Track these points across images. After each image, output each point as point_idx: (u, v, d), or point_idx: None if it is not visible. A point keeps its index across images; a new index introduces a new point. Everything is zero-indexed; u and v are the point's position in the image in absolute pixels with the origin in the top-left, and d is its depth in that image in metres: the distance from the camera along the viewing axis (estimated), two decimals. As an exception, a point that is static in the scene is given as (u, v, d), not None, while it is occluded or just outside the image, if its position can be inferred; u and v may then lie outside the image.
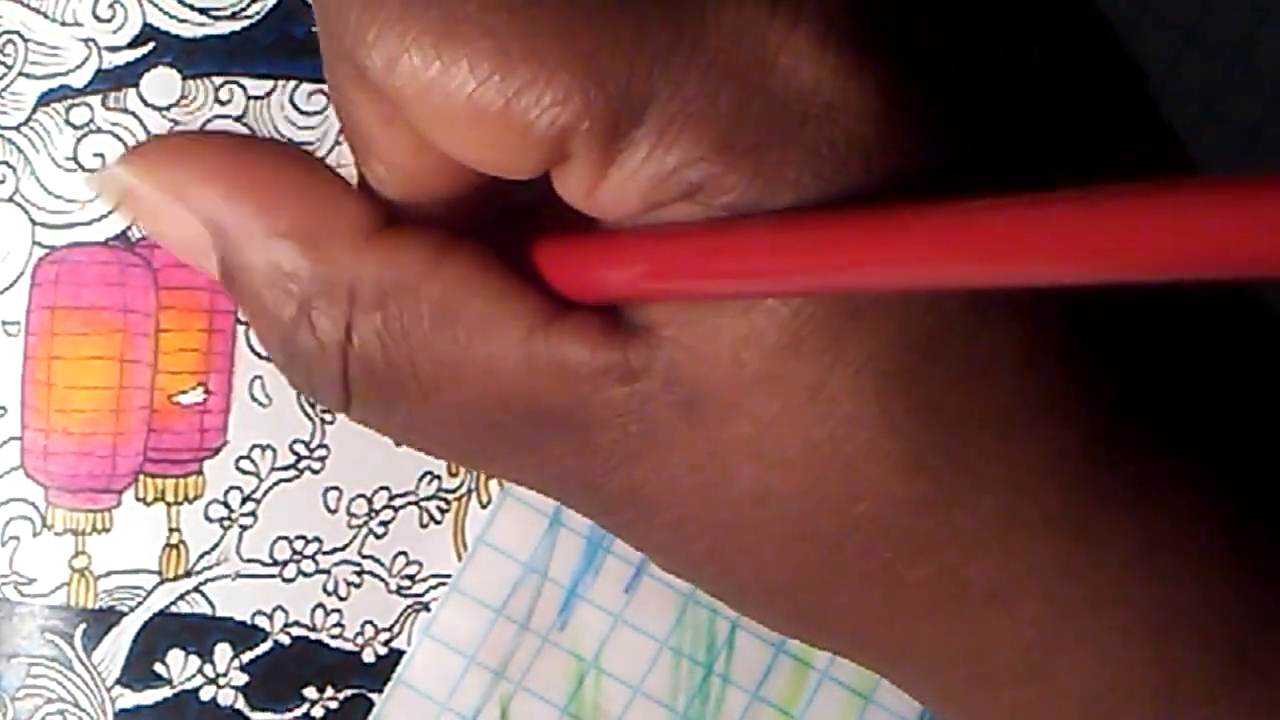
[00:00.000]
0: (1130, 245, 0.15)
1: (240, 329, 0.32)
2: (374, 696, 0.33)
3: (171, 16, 0.32)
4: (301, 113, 0.32)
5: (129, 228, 0.32)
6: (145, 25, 0.32)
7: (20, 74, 0.32)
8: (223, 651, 0.32)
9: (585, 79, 0.20)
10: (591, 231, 0.23)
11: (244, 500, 0.32)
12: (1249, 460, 0.23)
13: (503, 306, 0.22)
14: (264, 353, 0.32)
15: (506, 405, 0.23)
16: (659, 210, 0.21)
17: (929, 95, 0.21)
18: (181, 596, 0.32)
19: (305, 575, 0.33)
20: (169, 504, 0.32)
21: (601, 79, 0.20)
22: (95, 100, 0.32)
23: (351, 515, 0.33)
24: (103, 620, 0.32)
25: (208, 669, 0.32)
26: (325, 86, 0.32)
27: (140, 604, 0.32)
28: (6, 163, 0.32)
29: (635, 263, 0.21)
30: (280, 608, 0.32)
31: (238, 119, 0.32)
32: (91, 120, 0.32)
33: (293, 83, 0.32)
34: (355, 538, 0.33)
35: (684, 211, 0.21)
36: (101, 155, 0.32)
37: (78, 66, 0.32)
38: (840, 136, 0.20)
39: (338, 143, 0.32)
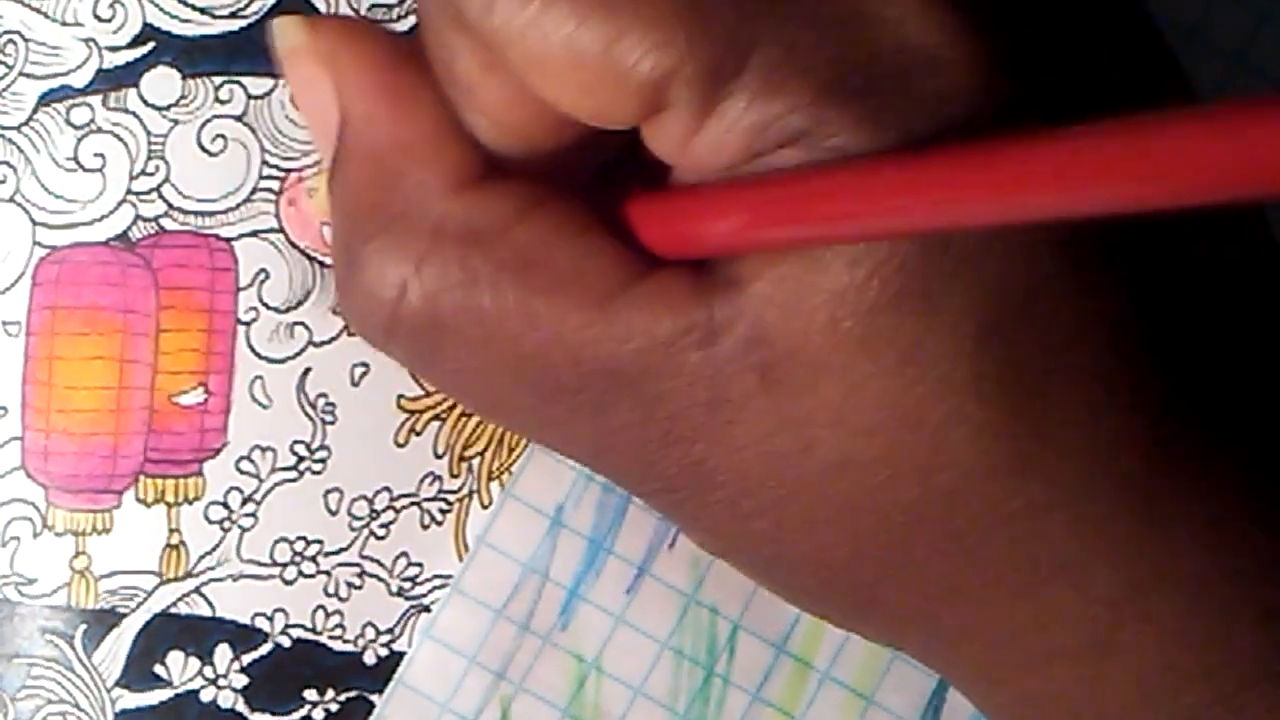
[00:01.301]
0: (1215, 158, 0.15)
1: (241, 329, 0.32)
2: (375, 698, 0.33)
3: (172, 16, 0.32)
4: (302, 112, 0.32)
5: (130, 228, 0.32)
6: (145, 25, 0.32)
7: (21, 74, 0.32)
8: (223, 653, 0.32)
9: (689, 24, 0.20)
10: (686, 185, 0.22)
11: (244, 501, 0.32)
12: None
13: (588, 261, 0.22)
14: (265, 353, 0.32)
15: (573, 364, 0.22)
16: (759, 160, 0.21)
17: (1021, 49, 0.21)
18: (182, 598, 0.32)
19: (306, 576, 0.32)
20: (169, 505, 0.32)
21: (705, 24, 0.20)
22: (96, 100, 0.32)
23: (352, 516, 0.33)
24: (103, 621, 0.32)
25: (208, 670, 0.32)
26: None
27: (140, 605, 0.32)
28: (7, 163, 0.32)
29: (735, 211, 0.21)
30: (281, 609, 0.32)
31: (238, 118, 0.32)
32: (92, 120, 0.32)
33: (293, 82, 0.32)
34: (356, 539, 0.33)
35: (787, 157, 0.20)
36: (102, 155, 0.32)
37: (78, 66, 0.32)
38: (946, 88, 0.20)
39: (338, 142, 0.32)
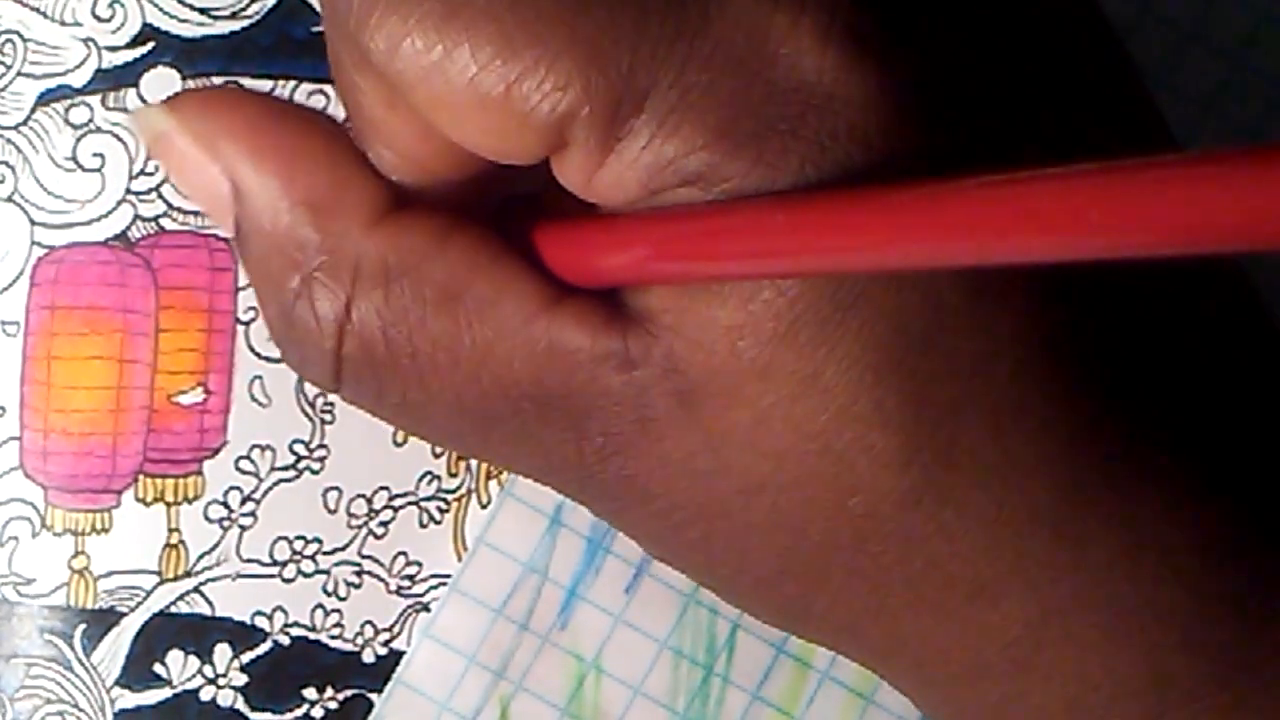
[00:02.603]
0: (1125, 217, 0.15)
1: (240, 329, 0.32)
2: (374, 697, 0.33)
3: (171, 16, 0.32)
4: (301, 112, 0.32)
5: (129, 228, 0.32)
6: (145, 25, 0.32)
7: (19, 74, 0.32)
8: (222, 652, 0.32)
9: (587, 65, 0.20)
10: (593, 216, 0.23)
11: (244, 500, 0.32)
12: (1237, 462, 0.23)
13: (505, 289, 0.22)
14: (264, 353, 0.32)
15: (503, 390, 0.23)
16: (658, 196, 0.21)
17: (929, 84, 0.21)
18: (181, 597, 0.32)
19: (305, 575, 0.32)
20: (168, 504, 0.32)
21: (603, 65, 0.20)
22: (95, 100, 0.32)
23: (351, 515, 0.33)
24: (102, 621, 0.32)
25: (207, 669, 0.32)
26: (325, 86, 0.32)
27: (140, 604, 0.32)
28: (6, 163, 0.32)
29: (636, 244, 0.21)
30: (280, 608, 0.32)
31: (237, 119, 0.32)
32: (91, 120, 0.32)
33: (292, 83, 0.32)
34: (355, 538, 0.33)
35: (684, 195, 0.21)
36: (101, 155, 0.32)
37: (77, 66, 0.32)
38: (842, 127, 0.20)
39: (338, 142, 0.32)
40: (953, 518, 0.22)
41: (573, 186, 0.22)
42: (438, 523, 0.33)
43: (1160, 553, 0.22)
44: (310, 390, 0.32)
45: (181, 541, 0.32)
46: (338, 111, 0.32)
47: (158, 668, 0.32)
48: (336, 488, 0.33)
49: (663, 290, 0.22)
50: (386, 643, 0.33)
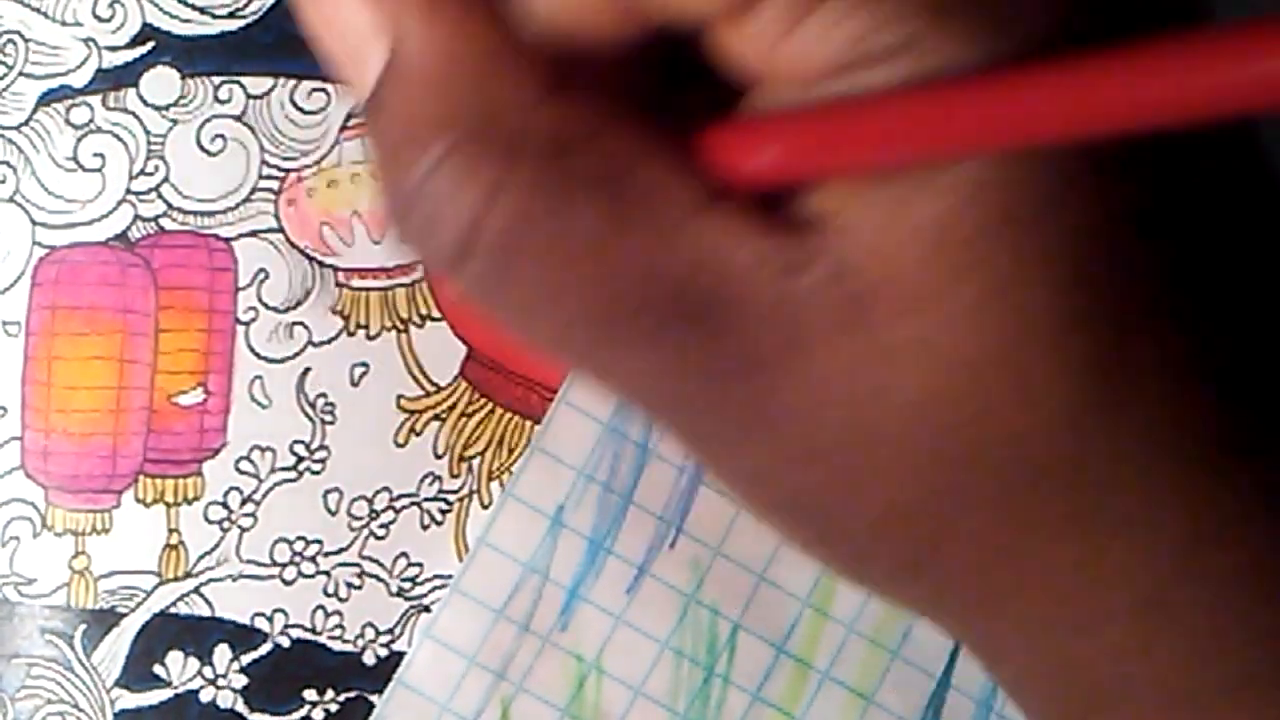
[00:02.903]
0: None
1: (240, 329, 0.32)
2: (374, 698, 0.33)
3: (171, 15, 0.32)
4: (302, 111, 0.32)
5: (129, 228, 0.32)
6: (145, 25, 0.32)
7: (20, 74, 0.32)
8: (222, 653, 0.32)
9: None
10: (762, 111, 0.21)
11: (243, 501, 0.32)
12: None
13: (667, 180, 0.21)
14: (264, 353, 0.32)
15: (647, 289, 0.21)
16: (848, 75, 0.19)
17: None
18: (181, 598, 0.32)
19: (306, 577, 0.32)
20: (168, 505, 0.32)
21: None
22: (95, 100, 0.32)
23: (352, 516, 0.33)
24: (102, 621, 0.32)
25: (207, 670, 0.32)
26: (327, 85, 0.32)
27: (140, 605, 0.32)
28: (7, 163, 0.32)
29: (818, 134, 0.20)
30: (280, 609, 0.32)
31: (237, 118, 0.32)
32: (91, 120, 0.32)
33: (293, 81, 0.32)
34: (356, 539, 0.33)
35: (881, 75, 0.19)
36: (102, 155, 0.32)
37: (78, 66, 0.32)
38: (1054, 14, 0.19)
39: (337, 142, 0.32)
40: (1117, 440, 0.21)
41: (748, 58, 0.20)
42: (439, 524, 0.33)
43: None
44: (311, 391, 0.32)
45: (181, 542, 0.32)
46: (340, 109, 0.32)
47: (158, 668, 0.32)
48: (337, 489, 0.33)
49: (834, 192, 0.20)
50: (387, 644, 0.33)
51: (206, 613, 0.32)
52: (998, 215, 0.19)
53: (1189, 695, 0.22)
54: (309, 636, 0.33)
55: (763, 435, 0.22)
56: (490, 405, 0.33)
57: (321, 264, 0.32)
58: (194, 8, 0.32)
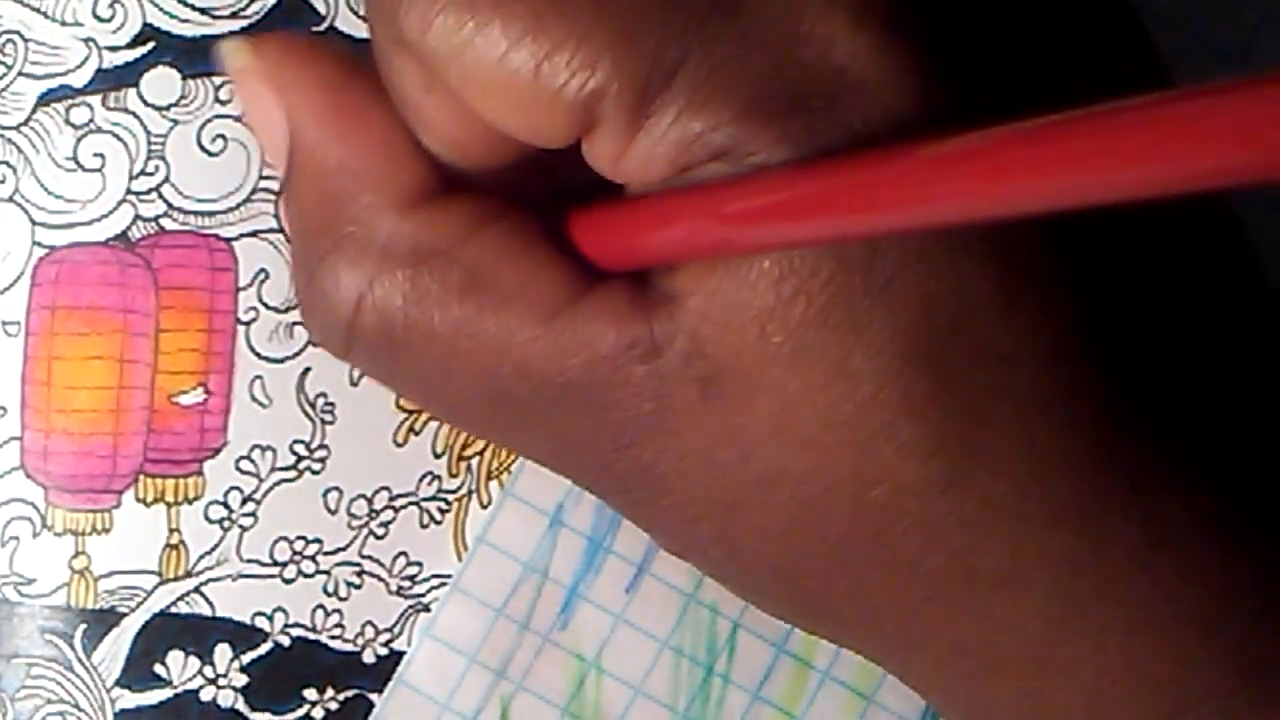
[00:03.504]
0: (1150, 152, 0.15)
1: (240, 329, 0.32)
2: (374, 697, 0.33)
3: (171, 16, 0.32)
4: (302, 112, 0.32)
5: (129, 228, 0.32)
6: (145, 25, 0.32)
7: (20, 74, 0.32)
8: (222, 652, 0.32)
9: (615, 42, 0.20)
10: (625, 197, 0.22)
11: (244, 501, 0.32)
12: (1253, 460, 0.23)
13: (533, 280, 0.22)
14: (264, 353, 0.32)
15: (524, 376, 0.23)
16: (687, 174, 0.21)
17: (956, 72, 0.21)
18: (181, 597, 0.32)
19: (305, 576, 0.32)
20: (169, 504, 0.32)
21: (632, 42, 0.20)
22: (95, 100, 0.32)
23: (352, 516, 0.33)
24: (103, 621, 0.32)
25: (207, 670, 0.32)
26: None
27: (140, 605, 0.32)
28: (6, 163, 0.32)
29: (665, 221, 0.21)
30: (280, 608, 0.32)
31: (238, 118, 0.32)
32: (91, 120, 0.32)
33: (293, 82, 0.32)
34: (355, 538, 0.33)
35: (713, 171, 0.21)
36: (102, 155, 0.32)
37: (78, 66, 0.32)
38: (874, 111, 0.20)
39: (338, 142, 0.32)
40: (975, 510, 0.22)
41: (602, 168, 0.22)
42: (438, 523, 0.33)
43: (1177, 551, 0.22)
44: (311, 390, 0.32)
45: (182, 542, 0.32)
46: (338, 111, 0.32)
47: (158, 668, 0.32)
48: (337, 488, 0.33)
49: (690, 272, 0.22)
50: (387, 643, 0.33)
51: (207, 612, 0.32)
52: (820, 306, 0.21)
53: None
54: (309, 635, 0.33)
55: (654, 497, 0.23)
56: (490, 405, 0.33)
57: (322, 264, 0.32)
58: (195, 8, 0.32)
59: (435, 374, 0.23)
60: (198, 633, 0.32)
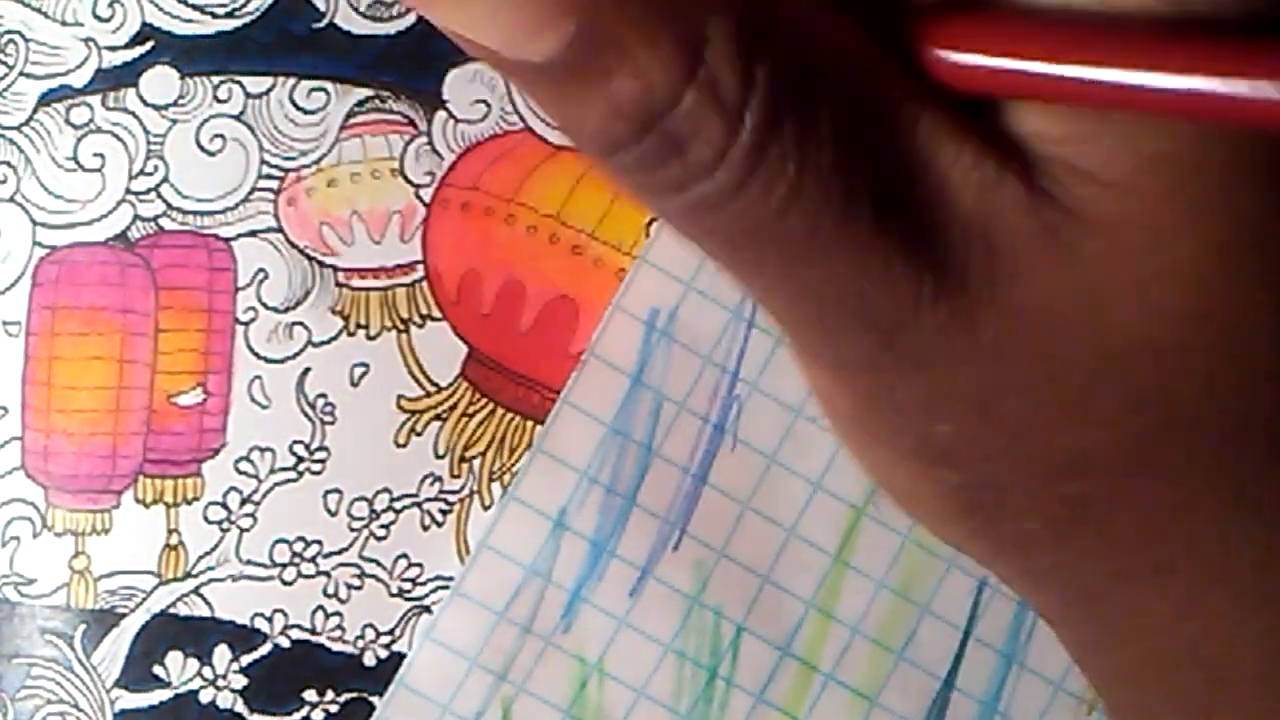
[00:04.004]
0: None
1: (239, 329, 0.32)
2: (375, 700, 0.33)
3: (170, 15, 0.32)
4: (301, 110, 0.32)
5: (128, 227, 0.32)
6: (144, 24, 0.32)
7: (21, 74, 0.32)
8: (222, 653, 0.32)
9: None
10: (992, 11, 0.19)
11: (243, 502, 0.32)
12: None
13: (884, 71, 0.19)
14: (263, 353, 0.32)
15: (870, 177, 0.19)
16: None
17: None
18: (181, 598, 0.32)
19: (305, 577, 0.32)
20: (168, 505, 0.32)
21: None
22: (95, 100, 0.32)
23: (352, 517, 0.33)
24: (102, 621, 0.32)
25: (207, 671, 0.32)
26: (326, 83, 0.32)
27: (140, 605, 0.32)
28: (7, 162, 0.32)
29: (1036, 47, 0.18)
30: (280, 610, 0.32)
31: (236, 117, 0.32)
32: (91, 120, 0.32)
33: (292, 80, 0.32)
34: (356, 540, 0.33)
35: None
36: (102, 155, 0.32)
37: (78, 66, 0.32)
38: None
39: (337, 141, 0.32)
40: None
41: None
42: (439, 525, 0.33)
43: None
44: (311, 391, 0.32)
45: (181, 543, 0.32)
46: (339, 108, 0.32)
47: (157, 669, 0.32)
48: (337, 489, 0.33)
49: (1049, 112, 0.19)
50: (388, 645, 0.33)
51: (206, 613, 0.32)
52: (1234, 160, 0.18)
53: None
54: (309, 637, 0.32)
55: (947, 363, 0.20)
56: (491, 405, 0.33)
57: (321, 264, 0.32)
58: (193, 7, 0.32)
59: (791, 184, 0.19)
60: (197, 634, 0.32)
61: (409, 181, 0.32)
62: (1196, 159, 0.18)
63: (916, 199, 0.19)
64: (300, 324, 0.32)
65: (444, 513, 0.33)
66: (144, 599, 0.32)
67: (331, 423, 0.32)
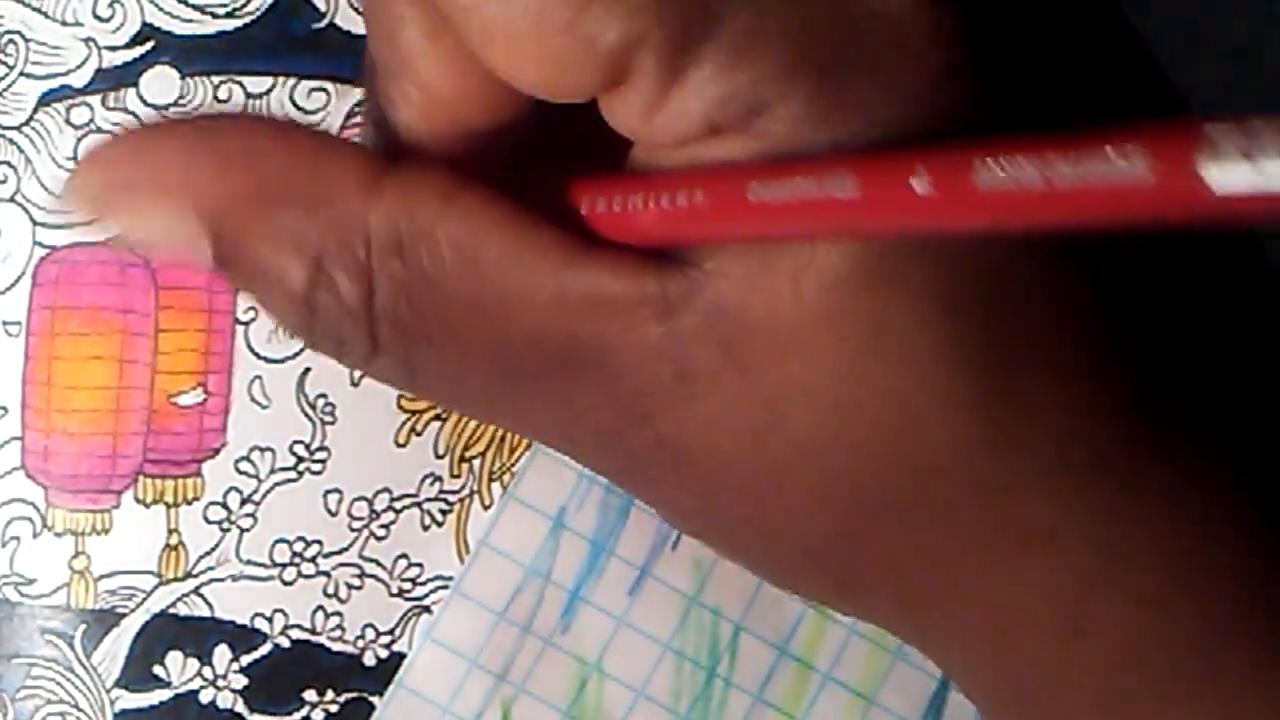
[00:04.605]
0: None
1: (239, 329, 0.32)
2: (375, 700, 0.33)
3: (171, 15, 0.32)
4: (301, 110, 0.32)
5: (129, 227, 0.32)
6: (144, 24, 0.32)
7: (21, 74, 0.32)
8: (222, 654, 0.32)
9: None
10: (632, 172, 0.22)
11: (243, 502, 0.32)
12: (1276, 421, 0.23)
13: (527, 241, 0.21)
14: (264, 353, 0.32)
15: (535, 346, 0.21)
16: (717, 138, 0.20)
17: (992, 30, 0.20)
18: (181, 598, 0.32)
19: (305, 577, 0.32)
20: (168, 505, 0.32)
21: None
22: (95, 100, 0.32)
23: (352, 517, 0.33)
24: (102, 621, 0.32)
25: (207, 671, 0.32)
26: (326, 83, 0.32)
27: (140, 605, 0.32)
28: (8, 163, 0.32)
29: (677, 200, 0.20)
30: (280, 610, 0.32)
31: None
32: (92, 120, 0.32)
33: (292, 80, 0.32)
34: (356, 540, 0.33)
35: (738, 147, 0.20)
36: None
37: (78, 66, 0.32)
38: (912, 63, 0.20)
39: (337, 141, 0.32)
40: (1017, 464, 0.21)
41: (628, 126, 0.21)
42: (439, 525, 0.33)
43: (1216, 507, 0.22)
44: (311, 391, 0.32)
45: (181, 543, 0.32)
46: (340, 108, 0.32)
47: (157, 669, 0.32)
48: (337, 489, 0.33)
49: (723, 250, 0.21)
50: (388, 645, 0.33)
51: (206, 613, 0.32)
52: (858, 264, 0.20)
53: (1120, 697, 0.22)
54: (309, 637, 0.32)
55: (672, 472, 0.22)
56: (491, 406, 0.33)
57: (321, 264, 0.32)
58: (194, 7, 0.32)
59: (453, 361, 0.22)
60: (197, 634, 0.32)
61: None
62: (824, 268, 0.20)
63: (600, 338, 0.21)
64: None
65: (444, 513, 0.33)
66: (144, 599, 0.32)
67: (331, 423, 0.32)
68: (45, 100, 0.32)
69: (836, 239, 0.20)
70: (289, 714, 0.32)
